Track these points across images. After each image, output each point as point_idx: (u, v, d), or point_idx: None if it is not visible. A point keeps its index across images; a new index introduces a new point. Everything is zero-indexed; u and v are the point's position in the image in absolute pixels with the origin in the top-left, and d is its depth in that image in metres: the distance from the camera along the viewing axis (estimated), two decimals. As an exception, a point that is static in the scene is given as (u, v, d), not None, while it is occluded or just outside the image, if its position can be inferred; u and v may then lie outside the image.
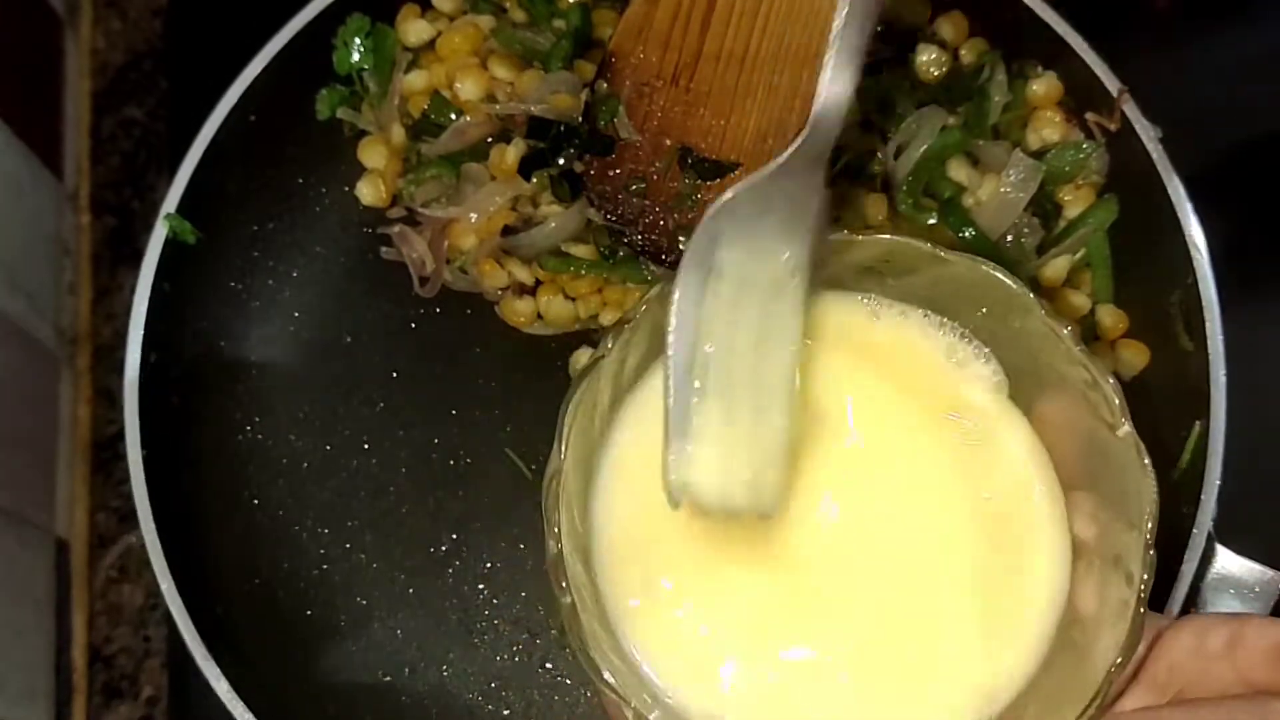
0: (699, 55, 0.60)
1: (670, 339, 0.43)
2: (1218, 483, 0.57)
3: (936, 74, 0.67)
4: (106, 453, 0.73)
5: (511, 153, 0.64)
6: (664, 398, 0.44)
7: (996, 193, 0.63)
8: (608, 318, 0.66)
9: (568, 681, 0.62)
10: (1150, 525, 0.42)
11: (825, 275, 0.48)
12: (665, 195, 0.60)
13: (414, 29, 0.68)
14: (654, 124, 0.61)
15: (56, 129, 0.78)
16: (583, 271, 0.64)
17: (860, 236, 0.47)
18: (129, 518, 0.67)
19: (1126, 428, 0.43)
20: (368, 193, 0.69)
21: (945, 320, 0.49)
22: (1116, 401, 0.43)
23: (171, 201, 0.64)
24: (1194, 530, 0.57)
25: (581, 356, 0.66)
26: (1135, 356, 0.63)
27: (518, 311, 0.66)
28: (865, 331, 0.50)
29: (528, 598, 0.63)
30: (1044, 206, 0.64)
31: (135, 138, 0.79)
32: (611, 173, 0.61)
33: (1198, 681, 0.41)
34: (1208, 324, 0.59)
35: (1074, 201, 0.65)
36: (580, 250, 0.65)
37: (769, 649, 0.46)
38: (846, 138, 0.62)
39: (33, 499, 0.69)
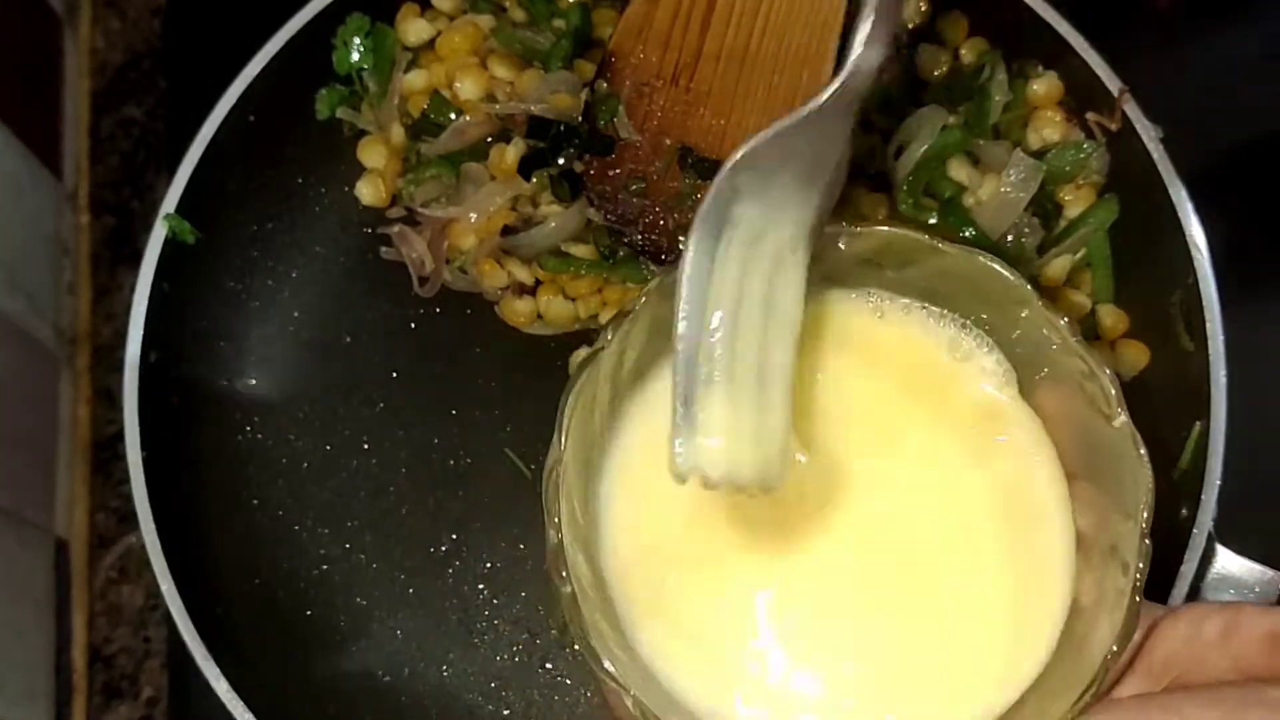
0: (699, 55, 0.60)
1: (682, 292, 0.42)
2: (1218, 483, 0.57)
3: (937, 73, 0.67)
4: (106, 453, 0.73)
5: (511, 152, 0.64)
6: (672, 374, 0.43)
7: (997, 192, 0.63)
8: (607, 318, 0.65)
9: (568, 681, 0.62)
10: (1146, 515, 0.42)
11: (825, 269, 0.48)
12: (665, 195, 0.61)
13: (414, 28, 0.68)
14: (654, 124, 0.61)
15: (56, 129, 0.78)
16: (583, 271, 0.64)
17: (859, 228, 0.47)
18: (129, 518, 0.67)
19: (1123, 418, 0.43)
20: (367, 193, 0.69)
21: (946, 313, 0.49)
22: (1113, 392, 0.43)
23: (171, 201, 0.64)
24: (1194, 530, 0.56)
25: (581, 356, 0.66)
26: (1136, 356, 0.63)
27: (518, 311, 0.66)
28: (871, 329, 0.50)
29: (528, 598, 0.63)
30: (1044, 206, 0.64)
31: (134, 137, 0.79)
32: (611, 172, 0.61)
33: (1193, 669, 0.41)
34: (1208, 324, 0.59)
35: (1074, 201, 0.65)
36: (580, 250, 0.64)
37: (784, 646, 0.46)
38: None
39: (32, 499, 0.69)
